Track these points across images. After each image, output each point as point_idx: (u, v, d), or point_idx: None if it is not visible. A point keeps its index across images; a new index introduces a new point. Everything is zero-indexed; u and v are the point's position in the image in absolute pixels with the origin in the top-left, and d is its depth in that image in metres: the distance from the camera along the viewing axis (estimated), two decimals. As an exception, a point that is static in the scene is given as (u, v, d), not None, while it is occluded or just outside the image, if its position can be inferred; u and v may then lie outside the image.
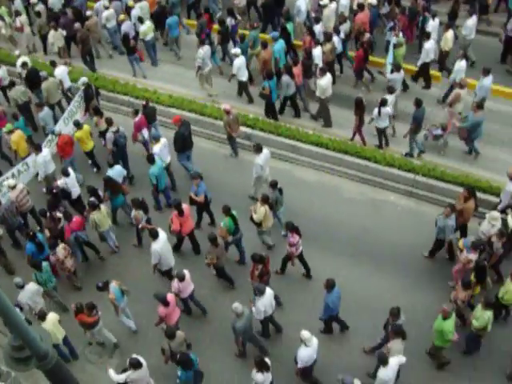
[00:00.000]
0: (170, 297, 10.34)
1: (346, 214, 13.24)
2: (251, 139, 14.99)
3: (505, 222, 11.39)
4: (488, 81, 14.46)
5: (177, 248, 12.31)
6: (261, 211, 11.50)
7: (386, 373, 8.90)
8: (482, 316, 9.68)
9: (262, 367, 9.09)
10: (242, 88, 16.28)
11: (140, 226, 11.93)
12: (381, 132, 14.29)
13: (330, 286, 9.96)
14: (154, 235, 11.00)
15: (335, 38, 15.98)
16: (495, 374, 10.28)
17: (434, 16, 16.30)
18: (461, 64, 14.92)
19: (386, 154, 14.19)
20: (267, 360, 9.26)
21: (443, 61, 16.31)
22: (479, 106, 13.48)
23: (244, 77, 15.93)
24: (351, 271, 11.97)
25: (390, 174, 13.89)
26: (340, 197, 13.81)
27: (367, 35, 16.14)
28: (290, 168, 14.68)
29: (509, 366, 10.17)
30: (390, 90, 14.31)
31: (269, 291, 10.15)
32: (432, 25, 16.17)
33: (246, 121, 15.27)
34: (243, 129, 14.97)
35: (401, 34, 16.02)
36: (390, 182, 13.92)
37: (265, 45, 15.75)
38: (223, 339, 10.91)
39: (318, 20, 16.82)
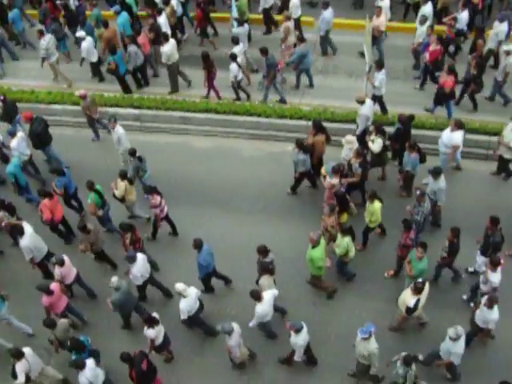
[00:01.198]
0: (54, 285, 10.33)
1: (248, 172, 13.61)
2: (140, 120, 15.06)
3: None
4: (328, 13, 15.27)
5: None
6: (121, 187, 11.74)
7: (263, 307, 9.43)
8: (341, 243, 10.33)
9: (152, 323, 9.42)
10: (95, 69, 16.20)
11: (3, 225, 11.83)
12: (236, 84, 14.73)
13: (197, 245, 10.28)
14: (20, 231, 10.95)
15: (173, 1, 16.13)
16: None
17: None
18: (294, 1, 15.71)
19: (276, 106, 14.58)
20: (155, 315, 9.58)
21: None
22: (301, 39, 14.60)
23: (94, 58, 15.81)
24: (254, 227, 12.34)
25: (284, 125, 14.27)
26: (240, 157, 14.11)
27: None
28: (185, 140, 14.74)
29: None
30: (235, 41, 14.74)
31: (140, 256, 10.43)
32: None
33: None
34: (131, 110, 15.01)
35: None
36: (284, 133, 14.28)
37: (106, 24, 15.64)
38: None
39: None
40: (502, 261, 9.46)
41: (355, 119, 13.15)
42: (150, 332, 9.48)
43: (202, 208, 12.78)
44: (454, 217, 11.53)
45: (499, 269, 9.45)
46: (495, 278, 9.42)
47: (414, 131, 12.84)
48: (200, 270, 10.57)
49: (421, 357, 9.55)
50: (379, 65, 13.10)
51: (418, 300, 9.34)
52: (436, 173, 10.92)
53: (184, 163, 13.92)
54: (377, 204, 10.69)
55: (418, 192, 10.65)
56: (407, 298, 9.47)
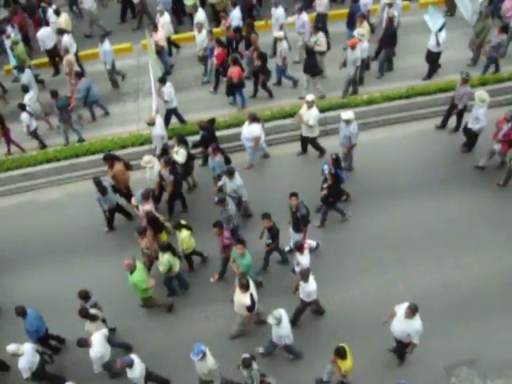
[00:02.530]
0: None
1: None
2: None
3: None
4: (107, 46, 15.20)
5: None
6: None
7: (95, 350, 9.08)
8: (162, 261, 10.25)
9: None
10: None
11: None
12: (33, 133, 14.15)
13: (20, 313, 9.70)
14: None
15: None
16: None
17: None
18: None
19: (115, 138, 14.04)
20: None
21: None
22: (79, 75, 14.43)
23: None
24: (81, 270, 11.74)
25: (128, 154, 13.47)
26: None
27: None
28: (31, 197, 13.58)
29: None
30: (25, 90, 14.23)
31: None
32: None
33: None
34: None
35: (14, 33, 15.85)
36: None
37: None
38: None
39: None
40: (305, 245, 9.98)
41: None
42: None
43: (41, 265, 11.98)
44: (268, 203, 11.95)
45: (306, 252, 9.93)
46: (304, 260, 9.88)
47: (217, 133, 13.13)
48: (30, 335, 9.92)
49: (261, 349, 9.76)
50: (162, 80, 13.18)
51: (252, 295, 9.48)
52: (230, 173, 11.20)
53: (29, 222, 12.90)
54: (184, 233, 10.65)
55: (215, 199, 10.76)
56: (241, 298, 9.54)
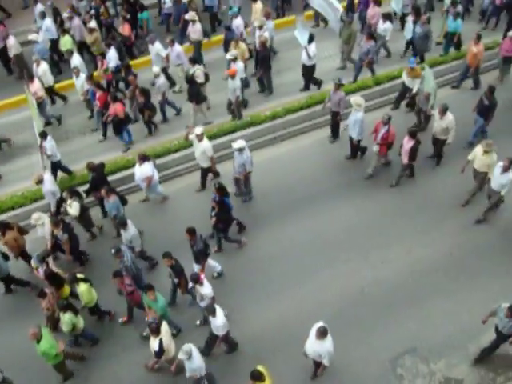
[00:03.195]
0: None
1: None
2: None
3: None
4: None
5: None
6: None
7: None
8: (64, 320, 9.96)
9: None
10: None
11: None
12: None
13: None
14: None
15: None
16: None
17: None
18: None
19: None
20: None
21: None
22: None
23: None
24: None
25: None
26: None
27: None
28: None
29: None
30: None
31: None
32: None
33: None
34: None
35: None
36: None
37: None
38: None
39: None
40: (202, 276, 9.93)
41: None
42: None
43: None
44: (171, 238, 11.98)
45: (205, 281, 9.93)
46: (206, 290, 9.87)
47: (114, 176, 13.24)
48: None
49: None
50: (42, 135, 12.87)
51: (161, 340, 9.39)
52: (122, 224, 11.08)
53: None
54: (82, 286, 10.41)
55: (112, 251, 10.53)
56: (151, 342, 9.48)
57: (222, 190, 11.35)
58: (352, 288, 11.17)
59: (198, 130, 12.54)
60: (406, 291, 11.06)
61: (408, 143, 12.45)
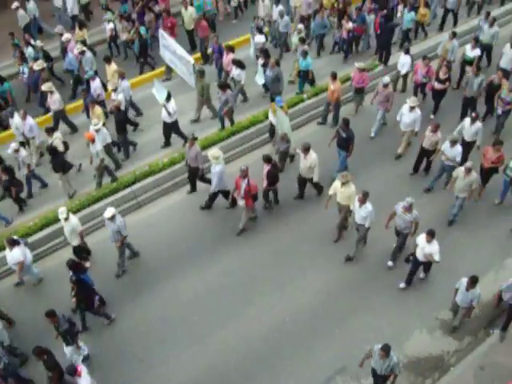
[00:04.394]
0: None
1: None
2: None
3: None
4: None
5: None
6: None
7: None
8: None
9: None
10: None
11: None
12: None
13: None
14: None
15: None
16: None
17: None
18: None
19: None
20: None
21: None
22: None
23: None
24: None
25: None
26: None
27: None
28: None
29: None
30: None
31: None
32: None
33: None
34: None
35: None
36: None
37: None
38: None
39: None
40: (79, 367, 9.61)
41: None
42: None
43: None
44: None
45: (84, 373, 9.62)
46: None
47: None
48: None
49: None
50: None
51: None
52: None
53: None
54: None
55: None
56: None
57: (75, 267, 11.08)
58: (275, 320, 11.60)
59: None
60: (323, 314, 11.64)
61: (265, 169, 13.01)
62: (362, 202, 11.77)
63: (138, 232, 13.44)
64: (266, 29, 19.47)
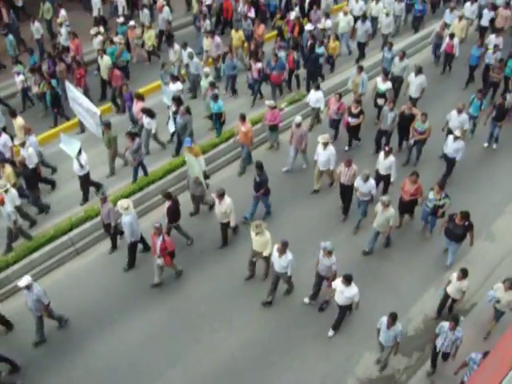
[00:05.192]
0: None
1: None
2: None
3: None
4: None
5: None
6: None
7: None
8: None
9: None
10: None
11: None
12: None
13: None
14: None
15: None
16: None
17: None
18: None
19: None
20: None
21: None
22: None
23: None
24: None
25: None
26: None
27: None
28: None
29: None
30: None
31: None
32: None
33: None
34: None
35: None
36: None
37: None
38: None
39: None
40: None
41: None
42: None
43: None
44: None
45: None
46: None
47: None
48: None
49: None
50: None
51: None
52: None
53: None
54: None
55: None
56: None
57: None
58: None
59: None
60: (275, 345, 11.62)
61: (166, 205, 12.99)
62: (282, 252, 11.44)
63: (73, 282, 13.04)
64: (182, 71, 19.35)
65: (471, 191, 15.30)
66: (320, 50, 18.70)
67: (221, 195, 12.76)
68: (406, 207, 13.78)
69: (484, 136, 16.97)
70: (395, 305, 11.76)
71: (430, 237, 13.93)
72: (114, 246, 13.94)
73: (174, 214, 13.10)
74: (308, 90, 18.27)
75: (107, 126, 15.05)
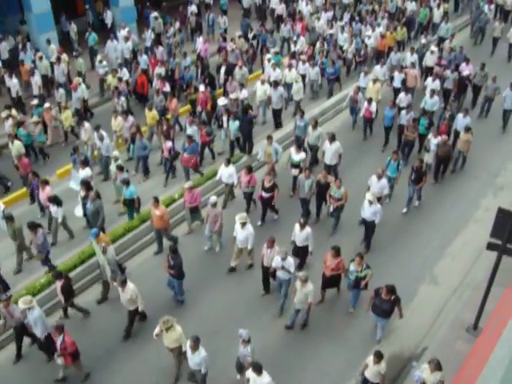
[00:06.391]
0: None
1: None
2: None
3: None
4: None
5: None
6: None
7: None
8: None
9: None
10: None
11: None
12: None
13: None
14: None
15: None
16: None
17: None
18: None
19: None
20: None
21: None
22: None
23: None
24: None
25: None
26: None
27: None
28: None
29: None
30: None
31: None
32: None
33: None
34: None
35: None
36: None
37: None
38: None
39: None
40: None
41: None
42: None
43: None
44: None
45: None
46: None
47: None
48: None
49: None
50: None
51: None
52: None
53: None
54: None
55: None
56: None
57: None
58: None
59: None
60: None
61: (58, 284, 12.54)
62: (194, 348, 10.57)
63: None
64: (95, 152, 18.63)
65: (401, 248, 15.38)
66: (234, 125, 18.39)
67: (123, 282, 12.05)
68: (330, 282, 13.31)
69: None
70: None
71: (353, 311, 13.43)
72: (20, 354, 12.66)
73: (67, 292, 12.61)
74: (244, 152, 18.25)
75: (10, 218, 14.13)
